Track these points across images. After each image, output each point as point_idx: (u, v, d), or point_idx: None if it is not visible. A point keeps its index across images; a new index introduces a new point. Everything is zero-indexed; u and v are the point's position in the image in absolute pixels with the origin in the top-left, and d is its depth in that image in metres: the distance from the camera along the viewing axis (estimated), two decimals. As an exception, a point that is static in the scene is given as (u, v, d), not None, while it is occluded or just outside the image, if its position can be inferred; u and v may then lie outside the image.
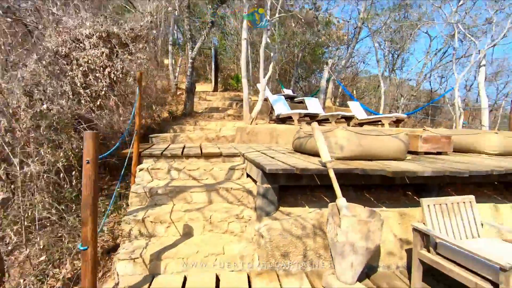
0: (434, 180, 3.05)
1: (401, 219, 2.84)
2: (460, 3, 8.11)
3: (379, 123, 7.64)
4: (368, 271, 2.64)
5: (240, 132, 5.45)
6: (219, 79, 14.18)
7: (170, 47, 10.07)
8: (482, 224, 2.46)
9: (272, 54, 6.28)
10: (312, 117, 6.87)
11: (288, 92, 11.95)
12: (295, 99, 10.49)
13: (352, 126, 7.95)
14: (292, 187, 3.38)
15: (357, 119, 8.05)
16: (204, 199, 3.32)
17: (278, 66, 16.92)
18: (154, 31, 5.64)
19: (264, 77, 6.08)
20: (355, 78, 17.03)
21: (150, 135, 5.43)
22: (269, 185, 2.92)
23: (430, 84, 13.54)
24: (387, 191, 3.47)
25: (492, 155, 4.12)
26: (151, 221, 2.89)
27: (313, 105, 8.02)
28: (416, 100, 13.31)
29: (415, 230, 2.31)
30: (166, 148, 4.38)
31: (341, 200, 2.40)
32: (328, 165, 2.53)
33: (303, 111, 6.47)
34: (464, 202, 2.47)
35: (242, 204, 3.29)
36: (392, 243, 2.75)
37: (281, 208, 3.05)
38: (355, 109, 8.41)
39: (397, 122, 7.70)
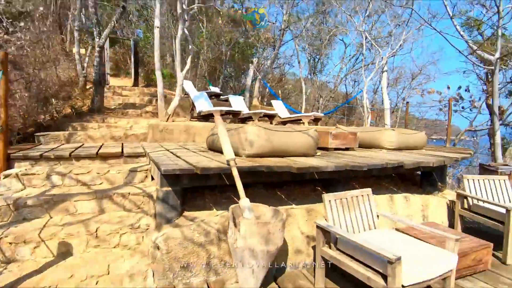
0: (340, 175, 3.13)
1: (308, 215, 2.80)
2: (366, 14, 9.02)
3: (300, 121, 7.93)
4: (276, 273, 2.52)
5: (153, 130, 4.92)
6: (141, 74, 13.05)
7: (76, 34, 8.71)
8: (378, 216, 2.55)
9: (190, 46, 5.88)
10: (235, 115, 6.70)
11: (215, 89, 11.63)
12: (221, 97, 10.26)
13: (275, 124, 8.09)
14: (202, 188, 3.10)
15: (280, 117, 8.22)
16: (93, 208, 2.77)
17: (206, 63, 16.49)
18: (41, 8, 4.66)
19: (181, 71, 5.64)
20: (282, 79, 17.70)
21: (37, 134, 4.48)
22: (169, 188, 2.56)
23: (346, 87, 14.90)
24: (298, 187, 3.46)
25: (390, 149, 4.53)
26: (9, 242, 2.24)
27: (237, 103, 7.89)
28: (334, 101, 14.46)
29: (318, 227, 2.25)
30: (52, 149, 3.61)
31: (243, 201, 2.20)
32: (231, 163, 2.31)
33: (225, 109, 6.25)
34: (362, 196, 2.53)
35: (142, 211, 2.85)
36: (300, 241, 2.69)
37: (186, 213, 2.72)
38: (278, 108, 8.59)
39: (315, 121, 8.12)
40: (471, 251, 2.56)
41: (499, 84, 11.15)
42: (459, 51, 6.22)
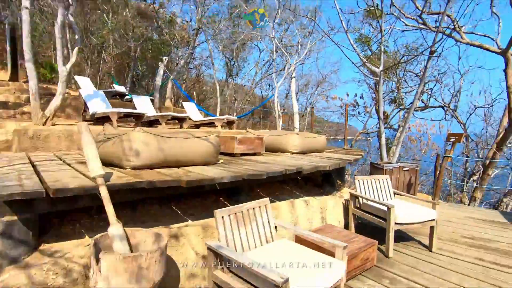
0: (242, 183, 2.94)
1: (204, 232, 2.52)
2: (275, 21, 9.41)
3: (213, 124, 7.66)
4: (165, 306, 2.14)
5: (19, 137, 3.90)
6: (22, 67, 10.71)
7: None
8: (276, 227, 2.44)
9: (76, 36, 4.95)
10: (138, 118, 5.98)
11: (120, 88, 10.41)
12: (126, 97, 9.21)
13: (187, 127, 7.62)
14: (74, 210, 2.49)
15: (192, 120, 7.80)
16: None
17: (112, 59, 14.74)
18: None
19: (65, 65, 4.68)
20: (199, 80, 17.17)
21: None
22: (14, 217, 1.92)
23: (261, 91, 15.39)
24: (199, 199, 3.15)
25: (294, 153, 4.64)
26: None
27: (143, 104, 7.13)
28: (251, 104, 14.73)
29: (209, 248, 1.98)
30: None
31: (113, 229, 1.76)
32: (98, 181, 1.84)
33: (123, 110, 5.48)
34: (259, 207, 2.38)
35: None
36: (194, 263, 2.38)
37: (44, 246, 2.09)
38: (190, 110, 8.14)
39: (229, 124, 7.97)
40: (359, 251, 2.69)
41: (383, 93, 13.11)
42: (352, 62, 6.94)
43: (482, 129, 9.79)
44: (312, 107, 8.07)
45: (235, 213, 2.18)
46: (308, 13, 8.44)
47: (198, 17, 10.27)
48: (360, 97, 14.41)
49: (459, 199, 8.69)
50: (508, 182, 9.87)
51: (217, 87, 10.19)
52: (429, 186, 10.78)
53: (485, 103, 9.54)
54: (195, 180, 2.23)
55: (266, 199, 2.47)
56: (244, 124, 15.69)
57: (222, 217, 2.09)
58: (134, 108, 6.86)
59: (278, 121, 8.49)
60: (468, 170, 9.56)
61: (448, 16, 7.75)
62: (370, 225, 3.96)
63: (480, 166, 8.90)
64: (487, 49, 7.63)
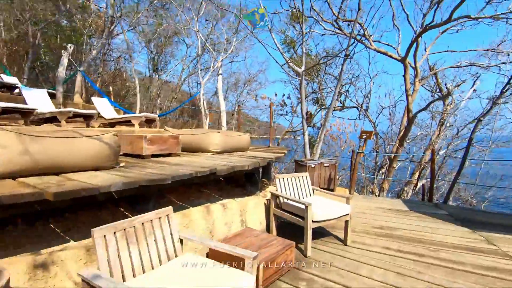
0: (149, 189, 2.50)
1: (87, 255, 2.01)
2: (199, 14, 8.97)
3: (130, 123, 6.84)
4: None
5: None
6: None
7: None
8: (181, 240, 2.09)
9: None
10: (24, 114, 4.87)
11: (10, 79, 8.57)
12: (16, 90, 7.60)
13: (98, 126, 6.63)
14: None
15: (105, 118, 6.83)
16: None
17: (4, 45, 12.18)
18: None
19: None
20: (120, 75, 15.49)
21: None
22: None
23: (189, 88, 14.69)
24: (93, 211, 2.59)
25: (215, 152, 4.34)
26: None
27: (36, 98, 5.91)
28: (178, 102, 13.91)
29: (83, 280, 1.52)
30: None
31: None
32: None
33: (3, 104, 4.39)
34: (159, 218, 1.99)
35: None
36: (73, 296, 1.87)
37: None
38: (102, 106, 7.12)
39: (149, 123, 7.24)
40: (277, 255, 2.54)
41: (307, 94, 13.82)
42: (276, 61, 6.99)
43: (388, 127, 11.11)
44: (239, 105, 7.94)
45: (124, 229, 1.76)
46: (234, 10, 8.30)
47: (112, 1, 9.11)
48: (288, 97, 15.00)
49: (371, 190, 9.67)
50: (407, 173, 11.44)
51: (136, 81, 9.22)
52: (347, 180, 11.79)
53: (390, 104, 10.86)
54: (70, 191, 1.73)
55: (169, 208, 2.09)
56: (173, 124, 14.75)
57: (104, 236, 1.65)
58: (25, 103, 5.63)
59: (204, 120, 8.09)
60: (378, 164, 10.72)
61: (359, 24, 8.48)
62: (292, 225, 3.92)
63: (387, 160, 10.06)
64: (390, 56, 8.62)
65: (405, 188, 10.32)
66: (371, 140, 9.25)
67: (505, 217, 4.86)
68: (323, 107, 13.61)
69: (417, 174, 10.36)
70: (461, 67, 8.96)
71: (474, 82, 9.51)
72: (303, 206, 3.08)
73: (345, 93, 11.86)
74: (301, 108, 7.75)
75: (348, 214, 3.37)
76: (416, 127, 11.29)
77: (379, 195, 9.49)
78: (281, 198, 3.54)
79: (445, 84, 7.30)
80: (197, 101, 12.62)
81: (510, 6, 6.99)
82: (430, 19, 7.79)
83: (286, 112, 15.50)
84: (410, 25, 9.25)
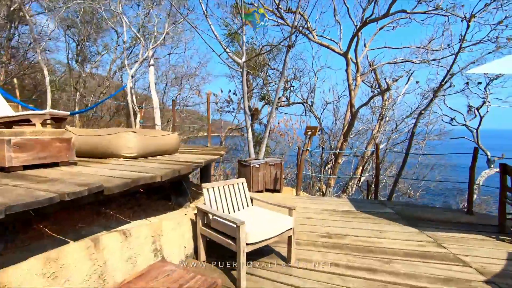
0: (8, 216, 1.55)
1: None
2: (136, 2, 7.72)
3: (30, 122, 5.40)
4: None
5: None
6: None
7: None
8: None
9: None
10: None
11: None
12: None
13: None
14: None
15: (-8, 117, 5.29)
16: None
17: None
18: None
19: None
20: (32, 66, 13.03)
21: None
22: None
23: (122, 81, 12.98)
24: None
25: (129, 158, 3.41)
26: None
27: None
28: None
29: None
30: None
31: None
32: None
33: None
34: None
35: None
36: None
37: None
38: (-12, 102, 5.54)
39: (57, 122, 5.86)
40: (192, 304, 1.80)
41: (252, 89, 13.28)
42: (213, 50, 6.23)
43: (333, 123, 11.12)
44: (174, 100, 6.92)
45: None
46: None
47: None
48: (234, 93, 14.31)
49: (318, 187, 9.51)
50: (352, 167, 11.65)
51: (45, 71, 7.53)
52: (295, 177, 11.59)
53: (334, 99, 10.85)
54: None
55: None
56: (106, 124, 12.93)
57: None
58: None
59: (132, 118, 6.92)
60: (324, 160, 10.65)
61: (302, 15, 8.13)
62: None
63: (332, 155, 10.00)
64: (333, 50, 8.45)
65: (350, 183, 10.42)
66: (317, 136, 9.06)
67: (442, 211, 4.85)
68: (269, 103, 13.22)
69: (361, 168, 10.53)
70: (397, 63, 9.25)
71: (409, 78, 9.92)
72: (234, 225, 2.39)
73: (290, 88, 11.57)
74: (243, 103, 7.10)
75: (291, 228, 2.78)
76: (358, 122, 11.54)
77: (325, 193, 9.36)
78: (210, 214, 2.80)
79: (385, 79, 7.34)
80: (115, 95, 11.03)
81: (439, 3, 7.25)
82: (369, 13, 7.78)
83: (233, 108, 14.83)
84: (351, 19, 9.25)
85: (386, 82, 7.39)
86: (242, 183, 3.30)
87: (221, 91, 13.89)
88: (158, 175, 2.41)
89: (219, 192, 3.01)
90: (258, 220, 2.73)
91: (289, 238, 2.81)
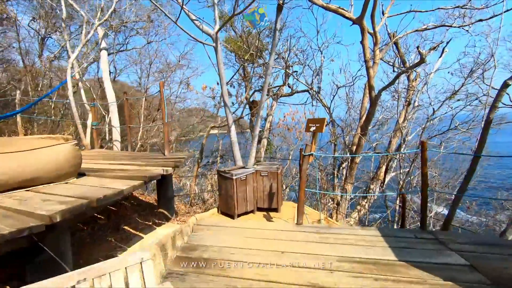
0: None
1: None
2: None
3: None
4: None
5: None
6: None
7: None
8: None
9: None
10: None
11: None
12: None
13: None
14: None
15: None
16: None
17: None
18: None
19: None
20: None
21: None
22: None
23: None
24: None
25: None
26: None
27: None
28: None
29: None
30: None
31: None
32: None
33: None
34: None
35: None
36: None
37: None
38: None
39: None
40: None
41: (250, 79, 11.29)
42: (171, 19, 4.30)
43: (346, 113, 9.03)
44: (125, 93, 5.10)
45: None
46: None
47: None
48: (231, 85, 12.44)
49: (331, 198, 7.48)
50: (371, 166, 9.54)
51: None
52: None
53: (346, 82, 8.71)
54: None
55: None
56: (55, 131, 11.09)
57: None
58: None
59: (76, 118, 5.11)
60: (337, 160, 8.60)
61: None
62: None
63: (347, 152, 7.95)
64: (343, 15, 6.38)
65: (372, 186, 8.35)
66: (327, 131, 7.09)
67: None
68: (269, 93, 11.23)
69: (384, 167, 8.42)
70: (429, 29, 7.08)
71: (443, 50, 7.71)
72: None
73: (293, 74, 9.53)
74: (221, 91, 5.19)
75: None
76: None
77: (338, 203, 7.33)
78: None
79: (417, 48, 5.29)
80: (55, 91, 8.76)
81: None
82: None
83: (232, 103, 12.95)
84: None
85: (419, 51, 5.29)
86: (141, 264, 1.38)
87: (218, 83, 12.04)
88: None
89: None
90: None
91: None
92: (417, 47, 5.43)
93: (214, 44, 4.76)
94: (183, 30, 4.37)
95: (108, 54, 10.19)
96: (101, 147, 6.24)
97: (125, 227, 3.00)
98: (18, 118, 6.05)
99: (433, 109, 7.31)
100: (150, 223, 3.34)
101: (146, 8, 10.22)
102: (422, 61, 5.50)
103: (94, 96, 8.60)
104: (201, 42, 4.80)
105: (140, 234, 2.94)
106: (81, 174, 2.64)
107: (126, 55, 11.60)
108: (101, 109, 8.32)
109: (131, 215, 3.40)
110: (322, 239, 3.30)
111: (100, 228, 2.81)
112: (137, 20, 9.83)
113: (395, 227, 6.90)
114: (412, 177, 7.61)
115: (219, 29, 4.63)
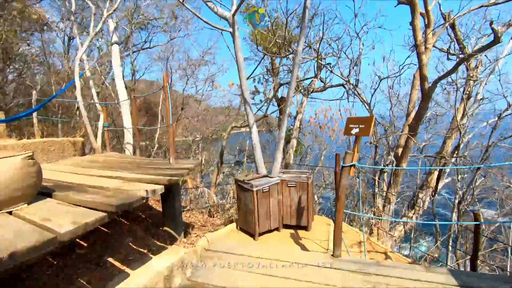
0: None
1: None
2: None
3: None
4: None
5: None
6: None
7: None
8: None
9: None
10: None
11: None
12: None
13: None
14: None
15: None
16: None
17: None
18: None
19: None
20: None
21: None
22: None
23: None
24: None
25: None
26: None
27: None
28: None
29: None
30: None
31: None
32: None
33: None
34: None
35: None
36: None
37: None
38: None
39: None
40: None
41: (278, 74, 10.44)
42: (193, 12, 3.60)
43: (389, 109, 7.80)
44: (133, 90, 4.56)
45: None
46: None
47: None
48: (258, 82, 11.68)
49: (372, 212, 6.39)
50: (418, 171, 8.22)
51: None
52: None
53: (390, 73, 7.48)
54: None
55: None
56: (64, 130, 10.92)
57: None
58: None
59: (85, 119, 4.65)
60: (379, 164, 7.44)
61: None
62: None
63: (393, 158, 6.80)
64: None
65: (420, 195, 7.11)
66: (369, 137, 6.04)
67: None
68: (299, 88, 10.26)
69: (436, 173, 7.13)
70: (499, 3, 5.70)
71: (516, 28, 6.22)
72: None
73: (326, 66, 8.48)
74: (240, 83, 4.43)
75: None
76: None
77: (381, 214, 6.22)
78: None
79: (490, 24, 4.10)
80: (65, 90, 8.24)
81: None
82: None
83: (261, 100, 12.17)
84: None
85: (492, 28, 4.10)
86: None
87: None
88: None
89: None
90: None
91: None
92: (491, 23, 4.22)
93: (231, 30, 3.99)
94: (192, 12, 3.64)
95: (133, 52, 9.92)
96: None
97: (109, 259, 2.35)
98: (35, 120, 5.79)
99: (509, 103, 5.89)
100: (145, 251, 2.67)
101: (166, 3, 9.74)
102: (497, 40, 4.28)
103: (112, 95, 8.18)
104: (215, 27, 4.05)
105: (127, 270, 2.27)
106: (45, 194, 2.01)
107: (146, 53, 11.26)
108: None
109: (124, 239, 2.75)
110: (367, 284, 2.39)
111: (74, 261, 2.17)
112: (160, 18, 9.41)
113: (457, 252, 5.67)
114: (474, 186, 6.26)
115: (236, 10, 3.85)
